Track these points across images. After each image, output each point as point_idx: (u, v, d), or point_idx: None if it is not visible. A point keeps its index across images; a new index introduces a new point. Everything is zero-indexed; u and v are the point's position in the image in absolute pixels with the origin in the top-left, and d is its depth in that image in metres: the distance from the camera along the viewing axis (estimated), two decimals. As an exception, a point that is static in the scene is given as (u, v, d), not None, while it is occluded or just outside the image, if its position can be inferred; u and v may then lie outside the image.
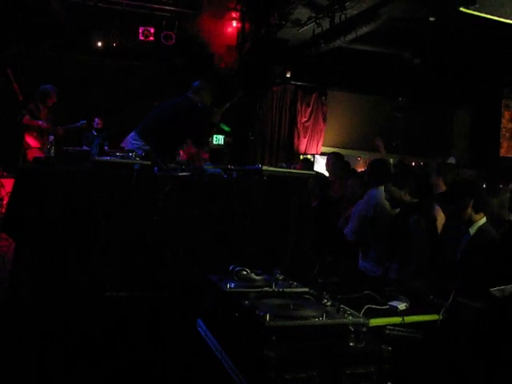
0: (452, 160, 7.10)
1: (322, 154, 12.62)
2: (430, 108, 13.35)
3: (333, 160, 6.95)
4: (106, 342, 3.62)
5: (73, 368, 3.35)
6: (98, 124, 10.58)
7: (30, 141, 8.18)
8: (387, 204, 5.01)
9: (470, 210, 4.07)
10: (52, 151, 4.59)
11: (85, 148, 5.52)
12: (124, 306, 3.88)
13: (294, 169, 5.06)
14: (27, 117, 8.13)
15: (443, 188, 5.35)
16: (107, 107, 10.65)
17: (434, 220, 4.82)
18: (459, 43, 9.73)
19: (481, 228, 4.08)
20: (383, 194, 5.04)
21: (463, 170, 6.37)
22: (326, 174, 7.14)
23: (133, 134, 5.47)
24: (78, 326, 3.63)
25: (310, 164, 7.98)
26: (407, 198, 4.75)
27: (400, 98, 12.40)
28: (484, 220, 4.10)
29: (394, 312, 3.20)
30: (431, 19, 8.56)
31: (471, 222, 4.10)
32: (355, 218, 5.34)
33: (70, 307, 3.71)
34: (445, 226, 4.83)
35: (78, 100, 10.24)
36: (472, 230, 4.08)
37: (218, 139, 9.08)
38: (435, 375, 3.07)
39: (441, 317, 3.20)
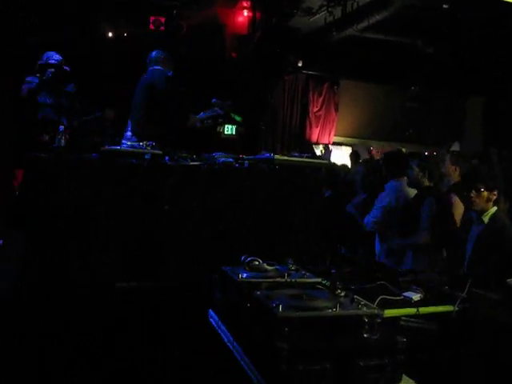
0: (456, 146, 7.04)
1: (334, 143, 12.57)
2: (442, 97, 13.23)
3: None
4: (106, 340, 3.57)
5: (73, 368, 3.32)
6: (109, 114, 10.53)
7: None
8: (409, 194, 5.16)
9: (483, 199, 4.09)
10: (62, 141, 4.56)
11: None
12: (130, 296, 3.86)
13: (305, 158, 5.05)
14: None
15: (457, 178, 5.28)
16: (117, 98, 10.60)
17: (450, 205, 4.83)
18: (473, 32, 9.60)
19: (493, 216, 4.09)
20: (404, 185, 5.17)
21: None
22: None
23: (128, 134, 5.47)
24: (80, 323, 3.59)
25: (311, 149, 8.02)
26: (426, 182, 4.96)
27: (413, 87, 12.27)
28: (495, 208, 4.11)
29: (409, 303, 3.16)
30: (445, 7, 8.46)
31: (484, 211, 4.12)
32: (378, 208, 5.36)
33: (71, 305, 3.68)
34: (463, 216, 4.82)
35: (87, 91, 10.20)
36: (485, 219, 4.10)
37: (230, 129, 9.01)
38: (450, 367, 3.03)
39: (456, 308, 3.16)
